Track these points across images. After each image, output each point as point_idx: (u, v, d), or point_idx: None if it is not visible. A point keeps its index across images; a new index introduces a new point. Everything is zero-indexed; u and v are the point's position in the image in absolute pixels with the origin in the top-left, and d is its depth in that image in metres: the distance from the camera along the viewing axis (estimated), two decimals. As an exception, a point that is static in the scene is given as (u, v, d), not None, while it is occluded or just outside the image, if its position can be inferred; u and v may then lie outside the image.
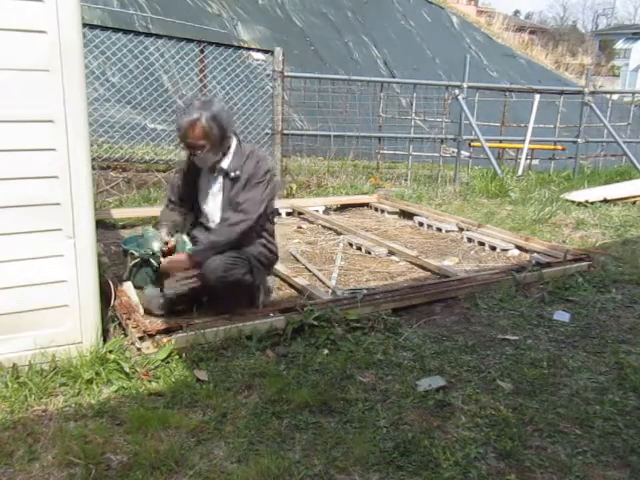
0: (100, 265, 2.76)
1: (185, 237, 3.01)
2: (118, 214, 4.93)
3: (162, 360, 2.43)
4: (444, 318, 3.11)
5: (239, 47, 7.50)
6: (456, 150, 8.03)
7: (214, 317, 2.81)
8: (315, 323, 2.77)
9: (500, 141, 9.21)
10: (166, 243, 3.03)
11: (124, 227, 4.86)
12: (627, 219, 5.51)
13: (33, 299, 2.29)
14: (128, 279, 3.20)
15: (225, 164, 2.87)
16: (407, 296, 3.22)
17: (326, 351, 2.63)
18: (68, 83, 2.18)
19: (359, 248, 4.46)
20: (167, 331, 2.60)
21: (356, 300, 3.03)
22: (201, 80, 6.55)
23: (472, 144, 8.33)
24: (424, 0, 20.80)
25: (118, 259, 3.93)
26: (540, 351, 2.72)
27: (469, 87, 7.90)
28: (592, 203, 6.13)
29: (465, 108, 7.72)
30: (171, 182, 3.33)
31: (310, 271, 3.82)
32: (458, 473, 1.84)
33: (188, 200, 3.09)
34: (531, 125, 8.50)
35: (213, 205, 2.99)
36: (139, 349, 2.49)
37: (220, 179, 2.93)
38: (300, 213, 5.55)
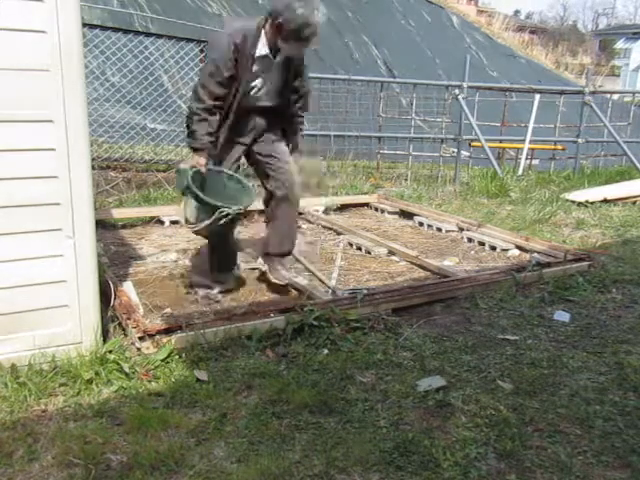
0: (100, 265, 2.76)
1: None
2: (118, 214, 4.92)
3: (162, 360, 2.43)
4: (444, 318, 3.11)
5: (239, 47, 7.48)
6: (456, 150, 8.02)
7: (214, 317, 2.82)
8: (315, 323, 2.77)
9: (500, 141, 9.21)
10: None
11: (124, 227, 4.85)
12: (627, 219, 5.51)
13: (33, 299, 2.28)
14: (202, 230, 2.90)
15: None
16: (407, 296, 3.22)
17: (326, 351, 2.63)
18: (68, 83, 2.18)
19: (359, 248, 4.45)
20: (167, 331, 2.60)
21: (356, 300, 3.03)
22: (201, 80, 6.53)
23: (472, 144, 8.33)
24: (424, 0, 20.80)
25: (118, 259, 3.93)
26: (540, 351, 2.72)
27: (469, 87, 7.90)
28: (592, 203, 6.13)
29: (465, 108, 7.71)
30: None
31: (310, 271, 3.82)
32: (458, 473, 1.83)
33: None
34: (531, 125, 8.50)
35: None
36: (139, 349, 2.49)
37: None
38: (300, 213, 5.53)
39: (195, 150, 2.94)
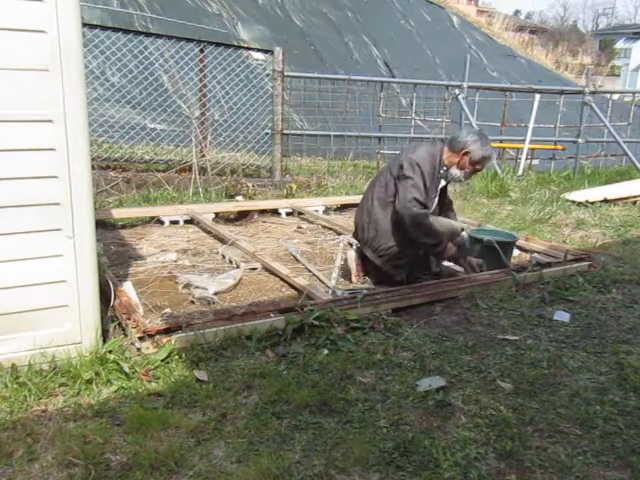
0: (100, 265, 2.76)
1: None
2: (118, 214, 4.92)
3: (162, 360, 2.43)
4: (444, 318, 3.11)
5: (239, 47, 7.51)
6: (456, 150, 8.01)
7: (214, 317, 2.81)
8: (315, 323, 2.77)
9: (500, 141, 9.21)
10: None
11: (124, 227, 4.85)
12: (627, 219, 5.51)
13: (33, 299, 2.28)
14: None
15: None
16: (407, 296, 3.22)
17: (326, 351, 2.63)
18: (68, 83, 2.17)
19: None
20: (167, 331, 2.60)
21: (356, 300, 3.03)
22: (201, 80, 6.55)
23: (472, 144, 8.31)
24: (424, 0, 20.81)
25: (118, 259, 3.93)
26: (540, 351, 2.72)
27: (469, 87, 7.90)
28: (592, 203, 6.13)
29: (465, 108, 7.72)
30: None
31: (310, 271, 3.82)
32: (458, 473, 1.83)
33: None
34: (531, 125, 8.50)
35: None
36: (139, 349, 2.49)
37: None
38: (300, 213, 5.54)
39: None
